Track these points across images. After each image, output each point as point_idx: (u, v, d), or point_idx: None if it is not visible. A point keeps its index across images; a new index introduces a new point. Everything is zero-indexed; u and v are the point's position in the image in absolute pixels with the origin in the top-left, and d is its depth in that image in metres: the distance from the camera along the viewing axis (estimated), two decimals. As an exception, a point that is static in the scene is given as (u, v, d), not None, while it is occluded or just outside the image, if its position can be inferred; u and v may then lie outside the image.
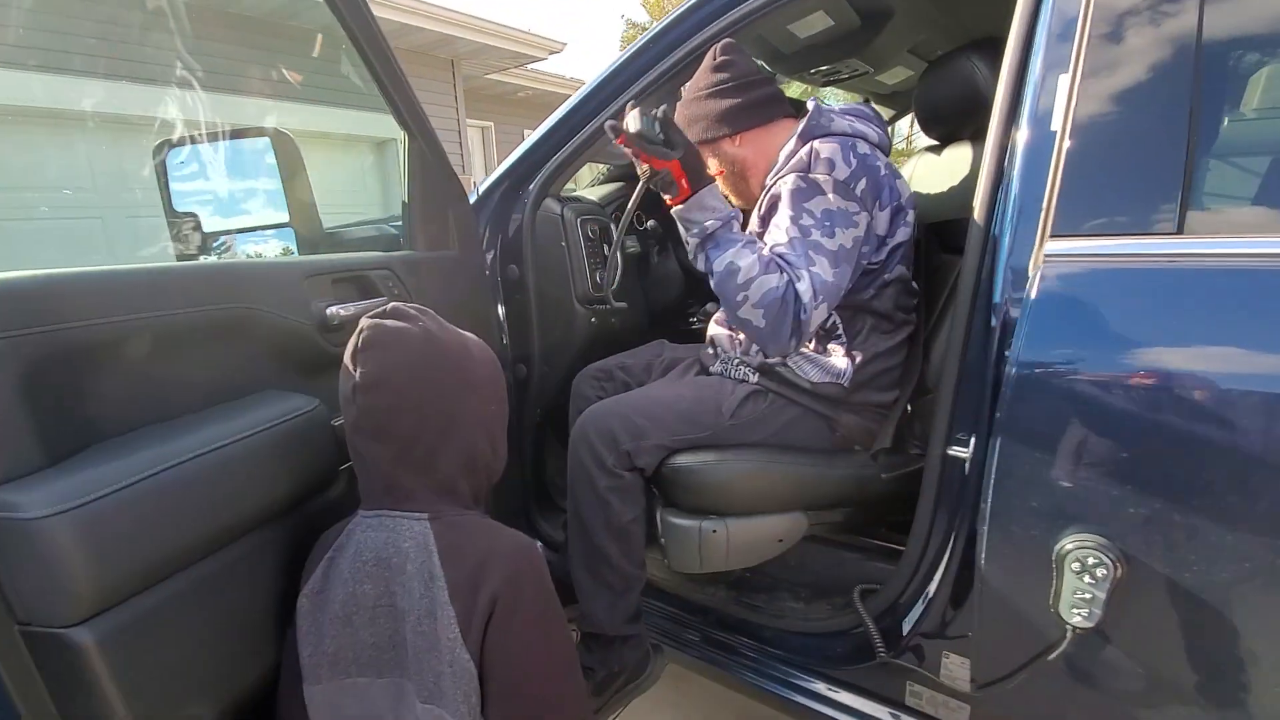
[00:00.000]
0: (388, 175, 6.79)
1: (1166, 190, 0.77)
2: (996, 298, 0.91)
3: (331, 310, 0.98)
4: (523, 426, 1.58)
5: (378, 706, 0.80)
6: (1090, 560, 0.76)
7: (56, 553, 0.59)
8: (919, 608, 1.05)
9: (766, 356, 1.23)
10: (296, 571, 0.84)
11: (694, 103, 1.29)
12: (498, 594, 0.73)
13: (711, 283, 1.13)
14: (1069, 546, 0.77)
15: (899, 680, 1.09)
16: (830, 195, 1.12)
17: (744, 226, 1.18)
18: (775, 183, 1.19)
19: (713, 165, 1.30)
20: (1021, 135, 0.89)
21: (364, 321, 0.79)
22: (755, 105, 1.26)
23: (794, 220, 1.11)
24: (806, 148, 1.17)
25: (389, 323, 0.78)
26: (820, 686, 1.18)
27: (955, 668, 1.01)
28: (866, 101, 2.31)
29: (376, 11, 1.05)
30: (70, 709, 0.65)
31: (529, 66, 9.20)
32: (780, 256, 1.10)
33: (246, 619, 0.80)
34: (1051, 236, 0.83)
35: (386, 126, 1.25)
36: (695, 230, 1.12)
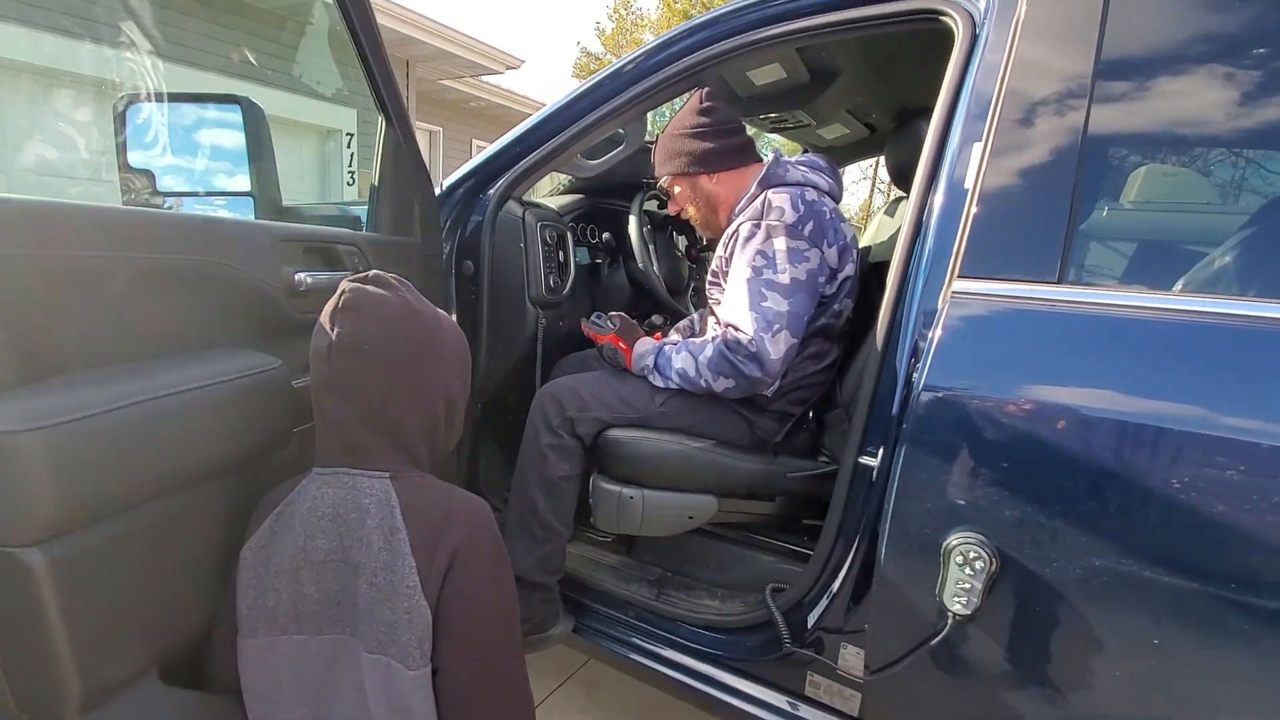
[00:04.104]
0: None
1: (1051, 248, 0.93)
2: (909, 329, 1.04)
3: (299, 276, 1.00)
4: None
5: (311, 665, 0.81)
6: (971, 554, 0.88)
7: (26, 469, 0.60)
8: (823, 603, 1.15)
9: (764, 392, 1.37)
10: (244, 525, 0.85)
11: (679, 138, 1.47)
12: (458, 548, 0.78)
13: (677, 387, 1.38)
14: (954, 542, 0.89)
15: (801, 671, 1.19)
16: (781, 238, 1.30)
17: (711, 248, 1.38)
18: (737, 224, 1.37)
19: (686, 194, 1.51)
20: (939, 194, 1.04)
21: (345, 284, 0.82)
22: (732, 151, 1.45)
23: (749, 263, 1.31)
24: (762, 196, 1.36)
25: (370, 288, 0.82)
26: (730, 678, 1.27)
27: (851, 658, 1.12)
28: (805, 152, 2.52)
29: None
30: (7, 634, 0.64)
31: (483, 79, 9.22)
32: (725, 323, 1.32)
33: (192, 566, 0.81)
34: (959, 277, 0.97)
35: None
36: (642, 368, 1.41)
